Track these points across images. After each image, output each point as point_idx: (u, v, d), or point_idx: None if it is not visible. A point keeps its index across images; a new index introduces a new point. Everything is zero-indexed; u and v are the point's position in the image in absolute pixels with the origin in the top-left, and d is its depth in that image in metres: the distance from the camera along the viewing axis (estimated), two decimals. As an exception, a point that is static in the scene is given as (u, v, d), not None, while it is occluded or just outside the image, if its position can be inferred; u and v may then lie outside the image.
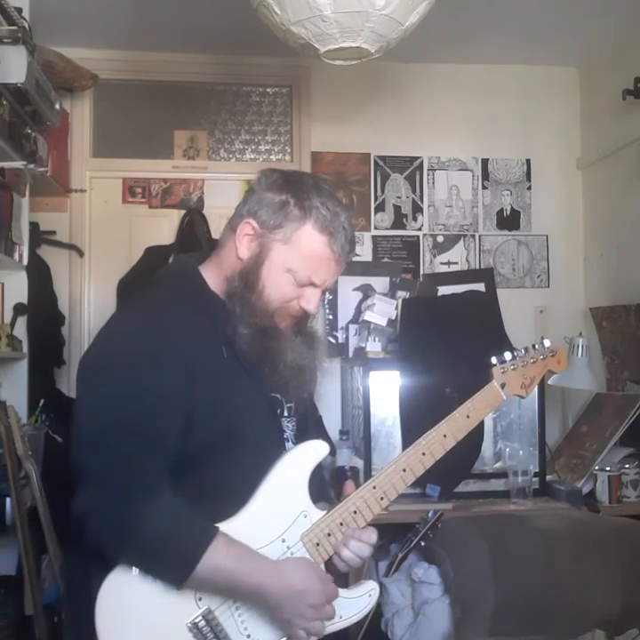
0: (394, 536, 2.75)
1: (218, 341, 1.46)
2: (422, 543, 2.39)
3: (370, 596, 1.53)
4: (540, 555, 2.39)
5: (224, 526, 1.40)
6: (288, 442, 1.56)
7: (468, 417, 1.58)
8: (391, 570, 2.46)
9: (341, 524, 1.48)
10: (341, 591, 1.49)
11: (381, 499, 1.51)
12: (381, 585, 2.46)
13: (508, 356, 1.64)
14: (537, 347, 1.68)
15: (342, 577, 1.55)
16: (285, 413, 1.58)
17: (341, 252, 1.50)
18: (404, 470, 1.53)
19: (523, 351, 1.66)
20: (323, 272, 1.50)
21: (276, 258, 1.49)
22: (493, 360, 1.63)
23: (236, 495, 1.44)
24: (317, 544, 1.47)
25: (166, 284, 1.56)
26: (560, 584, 2.32)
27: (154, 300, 1.51)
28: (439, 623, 2.35)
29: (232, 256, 1.52)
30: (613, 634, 2.36)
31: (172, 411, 1.38)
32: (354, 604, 1.51)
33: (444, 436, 1.56)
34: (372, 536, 1.52)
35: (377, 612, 2.36)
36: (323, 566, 1.49)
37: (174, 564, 1.34)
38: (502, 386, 1.62)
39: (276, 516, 1.45)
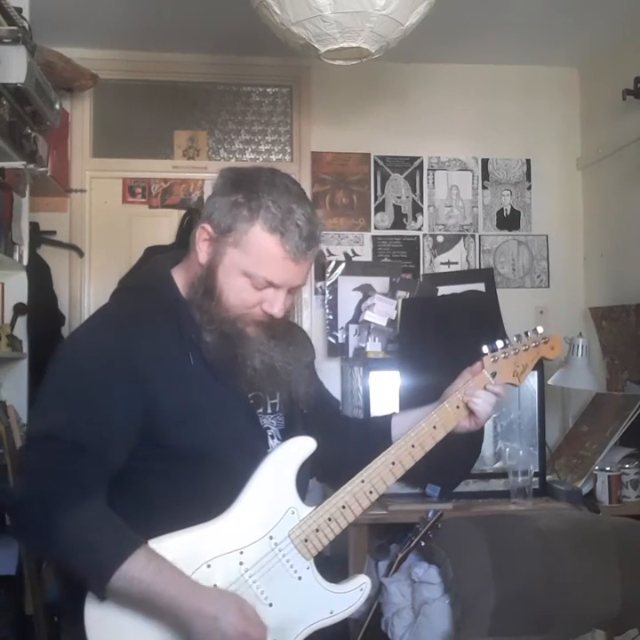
0: (394, 536, 2.74)
1: (185, 348, 1.44)
2: (422, 543, 2.39)
3: (361, 590, 1.51)
4: (539, 555, 2.38)
5: (212, 525, 1.41)
6: (273, 439, 1.54)
7: (457, 408, 1.58)
8: (391, 570, 2.45)
9: (329, 520, 1.47)
10: (332, 586, 1.49)
11: (370, 492, 1.50)
12: (381, 585, 2.45)
13: (499, 344, 1.62)
14: (529, 334, 1.66)
15: (339, 572, 1.54)
16: (268, 410, 1.56)
17: (296, 250, 1.42)
18: (394, 463, 1.52)
19: (514, 339, 1.64)
20: (279, 273, 1.44)
21: (229, 262, 1.45)
22: (484, 349, 1.61)
23: (220, 495, 1.43)
24: (305, 540, 1.46)
25: (137, 289, 1.56)
26: (560, 584, 2.32)
27: (121, 308, 1.51)
28: (439, 623, 2.35)
29: (196, 261, 1.51)
30: (613, 634, 2.36)
31: (113, 422, 1.38)
32: (345, 598, 1.50)
33: (434, 427, 1.56)
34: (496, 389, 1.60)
35: (377, 612, 2.36)
36: (312, 562, 1.47)
37: (90, 576, 1.33)
38: (493, 375, 1.61)
39: (263, 513, 1.44)
